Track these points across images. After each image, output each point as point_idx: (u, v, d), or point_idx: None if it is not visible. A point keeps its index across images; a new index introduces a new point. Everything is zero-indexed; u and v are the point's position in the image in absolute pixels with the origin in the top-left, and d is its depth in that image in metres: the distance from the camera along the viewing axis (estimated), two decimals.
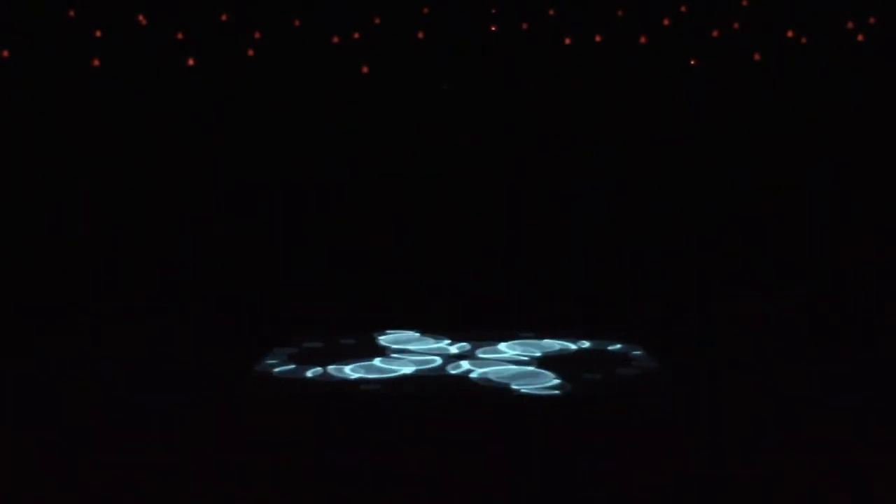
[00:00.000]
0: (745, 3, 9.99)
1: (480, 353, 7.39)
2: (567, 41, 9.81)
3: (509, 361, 7.16)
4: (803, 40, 9.76)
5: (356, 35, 9.84)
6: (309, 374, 6.85)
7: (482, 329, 8.00)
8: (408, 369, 6.97)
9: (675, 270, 9.19)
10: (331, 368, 6.94)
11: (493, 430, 5.34)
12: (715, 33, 9.87)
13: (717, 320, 8.03)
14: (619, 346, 7.61)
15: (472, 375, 6.79)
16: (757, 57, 9.69)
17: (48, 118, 9.40)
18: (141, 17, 9.80)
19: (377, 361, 7.17)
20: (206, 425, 5.42)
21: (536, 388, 6.44)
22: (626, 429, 5.34)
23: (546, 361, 7.12)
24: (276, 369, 6.97)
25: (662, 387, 6.44)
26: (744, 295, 8.64)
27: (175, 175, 9.46)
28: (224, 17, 9.89)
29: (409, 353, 7.44)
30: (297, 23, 9.91)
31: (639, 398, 6.16)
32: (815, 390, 6.09)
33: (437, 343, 7.70)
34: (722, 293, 8.72)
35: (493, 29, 9.94)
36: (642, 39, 9.81)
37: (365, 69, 9.72)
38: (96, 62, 9.53)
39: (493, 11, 9.98)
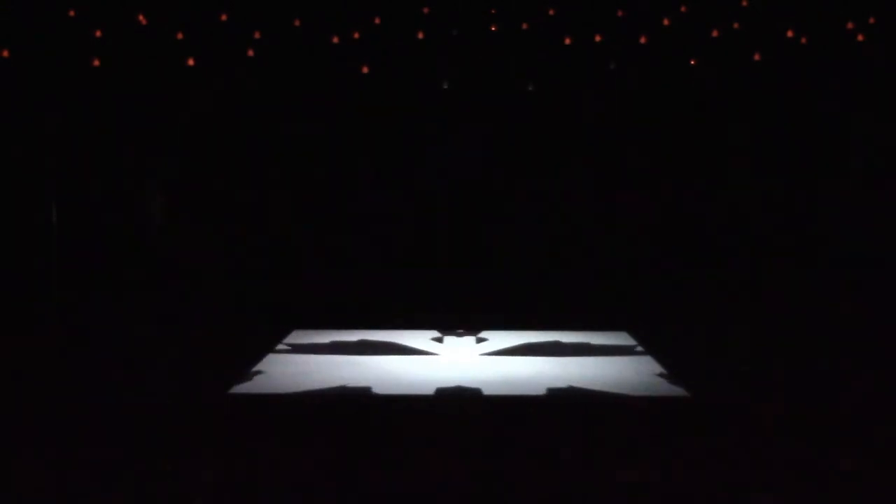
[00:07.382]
0: (745, 3, 9.98)
1: None
2: (567, 41, 9.81)
3: None
4: (803, 40, 9.75)
5: (356, 35, 9.84)
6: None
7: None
8: None
9: (671, 268, 9.21)
10: None
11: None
12: (715, 33, 9.86)
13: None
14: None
15: None
16: (757, 57, 9.68)
17: (48, 118, 9.39)
18: (141, 17, 9.80)
19: None
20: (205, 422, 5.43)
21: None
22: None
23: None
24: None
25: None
26: None
27: (174, 174, 9.47)
28: (224, 17, 9.88)
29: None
30: (297, 23, 9.90)
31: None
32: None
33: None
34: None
35: (494, 29, 9.93)
36: (642, 39, 9.81)
37: (365, 69, 9.72)
38: (96, 62, 9.53)
39: (493, 11, 9.97)
